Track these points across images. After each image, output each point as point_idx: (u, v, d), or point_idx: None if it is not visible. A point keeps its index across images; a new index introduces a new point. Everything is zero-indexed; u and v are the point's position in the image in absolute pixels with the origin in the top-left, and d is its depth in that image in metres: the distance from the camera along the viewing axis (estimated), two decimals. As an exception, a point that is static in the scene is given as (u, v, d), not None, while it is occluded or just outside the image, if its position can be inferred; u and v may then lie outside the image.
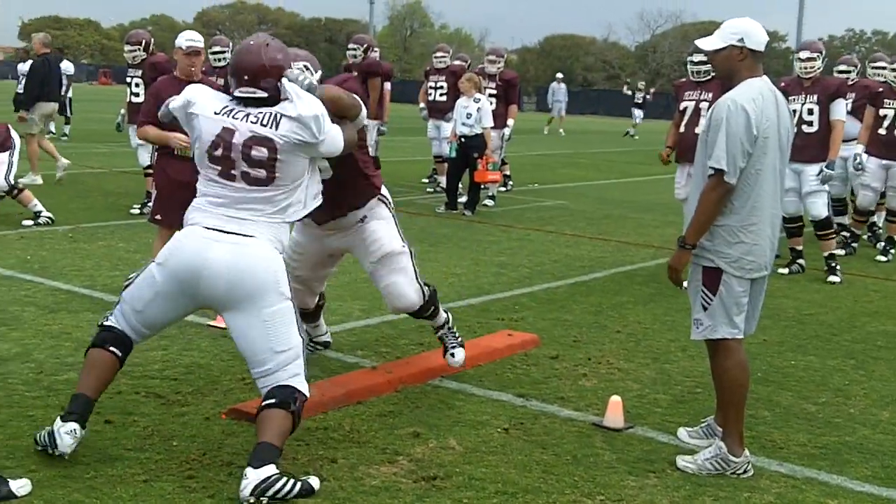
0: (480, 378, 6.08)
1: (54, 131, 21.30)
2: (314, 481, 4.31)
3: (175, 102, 4.73)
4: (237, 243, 4.45)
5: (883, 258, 11.41)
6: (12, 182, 10.76)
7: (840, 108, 9.82)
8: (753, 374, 5.16)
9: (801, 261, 10.28)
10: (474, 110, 13.38)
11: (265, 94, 4.55)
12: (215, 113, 4.56)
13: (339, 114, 4.81)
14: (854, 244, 11.90)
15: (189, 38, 7.40)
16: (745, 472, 4.76)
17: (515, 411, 5.52)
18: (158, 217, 7.02)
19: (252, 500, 4.13)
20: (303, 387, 4.51)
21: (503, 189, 16.07)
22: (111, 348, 4.61)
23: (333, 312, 7.36)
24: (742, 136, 4.54)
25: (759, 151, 4.61)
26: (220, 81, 8.04)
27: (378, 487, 4.41)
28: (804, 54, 10.02)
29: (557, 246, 11.37)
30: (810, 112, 9.85)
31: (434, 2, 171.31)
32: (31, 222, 10.82)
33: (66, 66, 22.76)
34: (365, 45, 14.00)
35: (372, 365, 6.16)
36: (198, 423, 5.06)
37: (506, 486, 4.49)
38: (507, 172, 16.70)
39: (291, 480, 4.22)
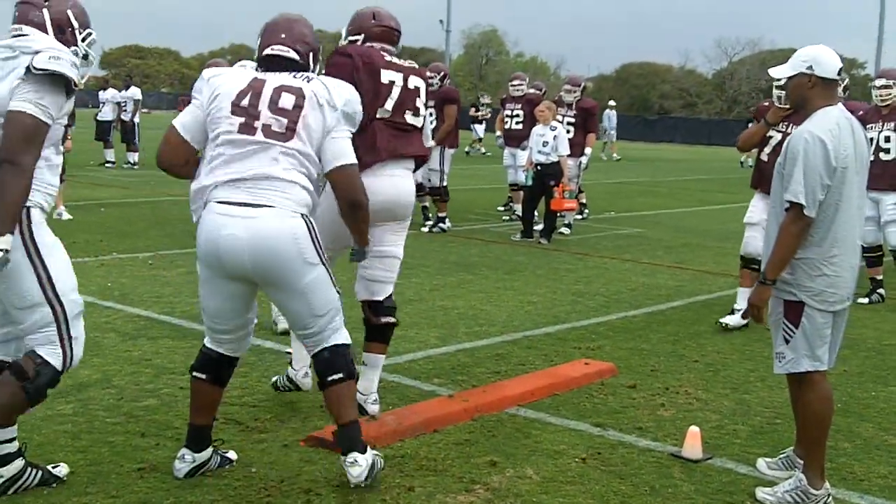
0: (557, 407, 6.06)
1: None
2: None
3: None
4: (249, 217, 4.27)
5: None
6: None
7: None
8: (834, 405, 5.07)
9: (881, 290, 10.12)
10: (551, 138, 13.39)
11: (297, 57, 4.56)
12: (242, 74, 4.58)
13: None
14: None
15: None
16: (825, 505, 4.70)
17: (593, 441, 5.49)
18: None
19: (364, 485, 4.47)
20: (345, 338, 4.64)
21: (579, 217, 16.03)
22: (195, 374, 4.74)
23: (410, 340, 7.40)
24: (820, 168, 4.47)
25: (838, 182, 4.53)
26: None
27: (455, 516, 4.42)
28: (880, 82, 9.93)
29: (634, 274, 11.31)
30: (887, 139, 9.73)
31: (510, 29, 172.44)
32: None
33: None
34: (441, 74, 14.17)
35: (448, 393, 6.17)
36: (276, 449, 5.11)
37: (583, 517, 4.47)
38: (584, 200, 16.65)
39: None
